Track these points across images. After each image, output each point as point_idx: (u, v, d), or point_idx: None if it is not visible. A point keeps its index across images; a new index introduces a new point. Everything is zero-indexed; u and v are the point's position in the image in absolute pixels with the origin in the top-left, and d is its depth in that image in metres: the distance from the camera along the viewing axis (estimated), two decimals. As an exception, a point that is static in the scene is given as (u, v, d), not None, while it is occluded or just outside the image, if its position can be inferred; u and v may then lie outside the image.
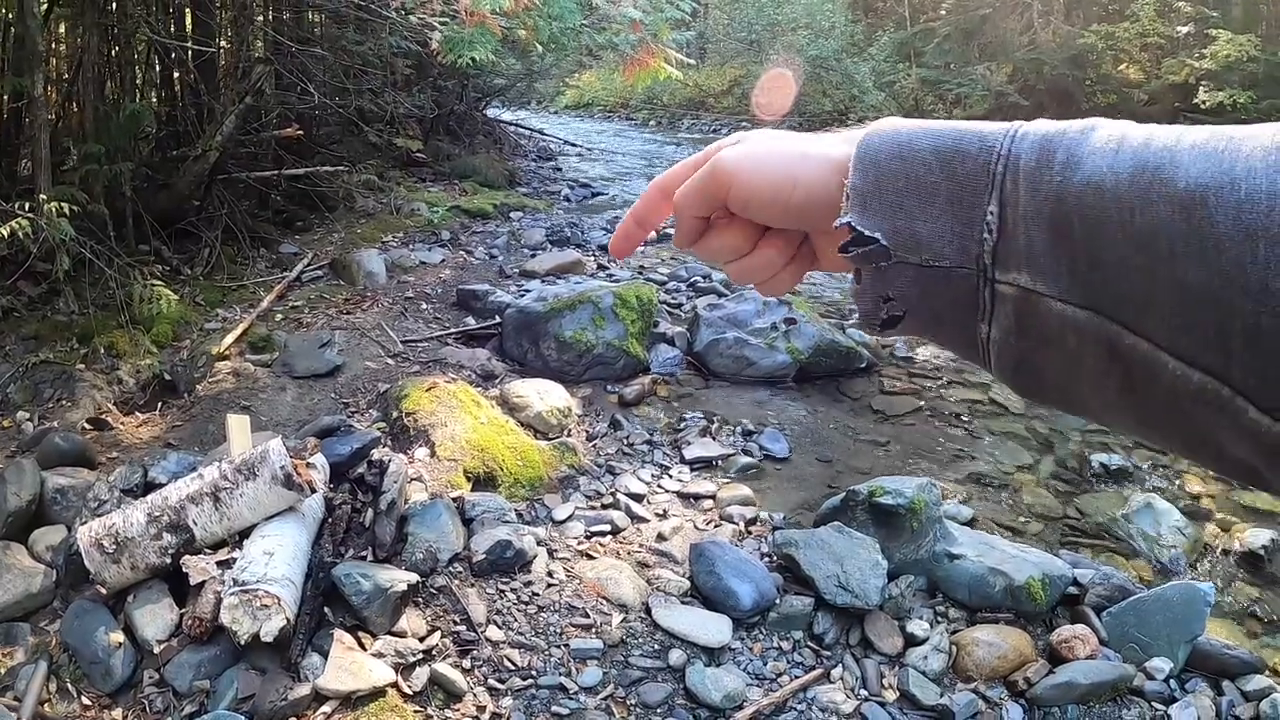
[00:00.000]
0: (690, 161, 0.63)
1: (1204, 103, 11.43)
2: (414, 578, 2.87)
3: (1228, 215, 0.38)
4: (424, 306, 5.76)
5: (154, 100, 6.79)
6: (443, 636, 2.80)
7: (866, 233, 0.49)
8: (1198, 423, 0.42)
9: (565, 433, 4.16)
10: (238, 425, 3.29)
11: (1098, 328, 0.44)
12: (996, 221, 0.46)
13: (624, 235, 0.67)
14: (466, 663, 2.73)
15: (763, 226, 0.60)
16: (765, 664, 2.87)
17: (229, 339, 4.84)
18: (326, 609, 2.77)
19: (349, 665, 2.56)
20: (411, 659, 2.66)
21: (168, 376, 4.35)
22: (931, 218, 0.48)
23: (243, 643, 2.51)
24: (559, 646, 2.83)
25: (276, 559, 2.66)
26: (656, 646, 2.88)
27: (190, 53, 6.51)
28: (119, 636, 2.64)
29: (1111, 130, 0.45)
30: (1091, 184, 0.43)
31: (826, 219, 0.54)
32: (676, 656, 2.83)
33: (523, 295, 5.53)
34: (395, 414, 3.94)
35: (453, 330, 5.35)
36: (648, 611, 3.01)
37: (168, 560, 2.77)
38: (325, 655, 2.59)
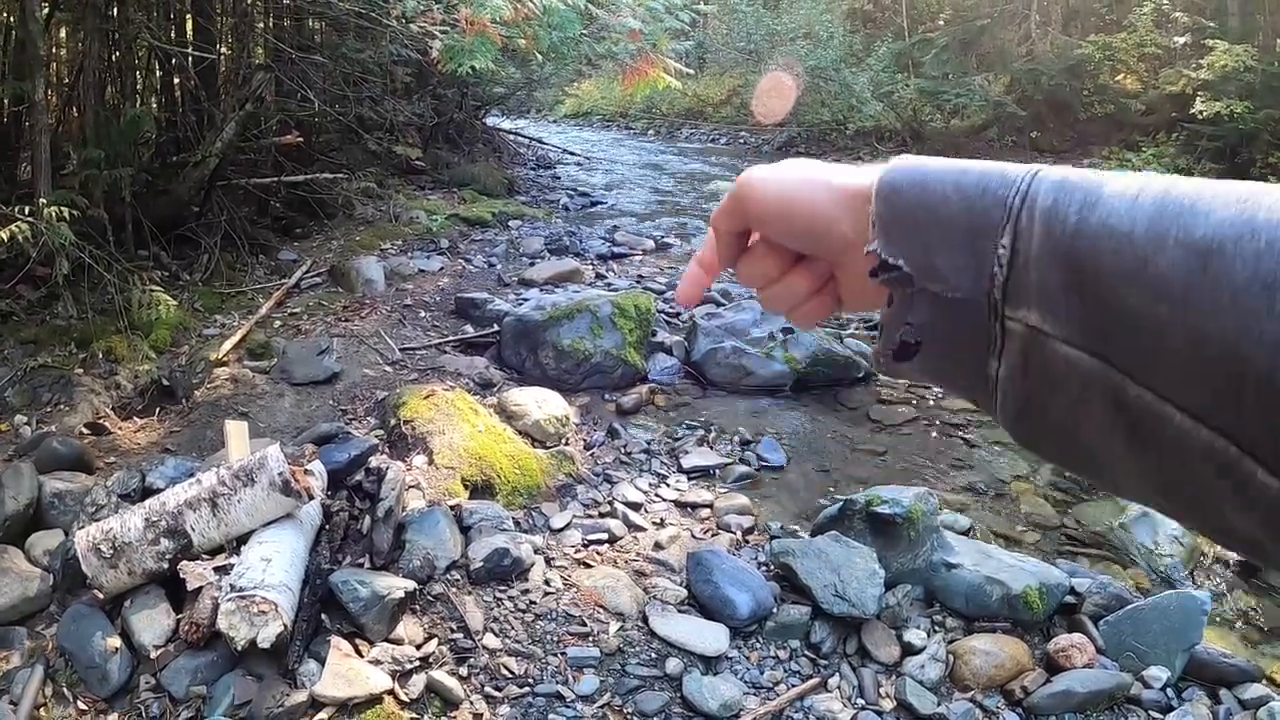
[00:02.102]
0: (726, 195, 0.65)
1: (1201, 113, 11.45)
2: (411, 585, 2.87)
3: (1246, 264, 0.37)
4: (422, 314, 5.76)
5: (154, 106, 6.81)
6: (440, 644, 2.79)
7: (890, 260, 0.50)
8: (1203, 484, 0.40)
9: (563, 441, 4.16)
10: (236, 431, 3.29)
11: (1103, 375, 0.42)
12: (1008, 255, 0.46)
13: (690, 279, 0.68)
14: (463, 670, 2.73)
15: (795, 256, 0.61)
16: (762, 673, 2.87)
17: (227, 345, 4.85)
18: (324, 616, 2.77)
19: (346, 672, 2.56)
20: (408, 666, 2.66)
21: (166, 382, 4.36)
22: (948, 249, 0.48)
23: (239, 649, 2.51)
24: (556, 655, 2.83)
25: (274, 565, 2.66)
26: (653, 655, 2.88)
27: (191, 59, 6.52)
28: (116, 641, 2.63)
29: (1132, 178, 0.44)
30: (1107, 226, 0.42)
31: (831, 248, 0.57)
32: (673, 665, 2.83)
33: (521, 304, 5.53)
34: (393, 421, 3.94)
35: (451, 338, 5.35)
36: (645, 620, 3.01)
37: (165, 566, 2.76)
38: (322, 662, 2.58)
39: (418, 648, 2.75)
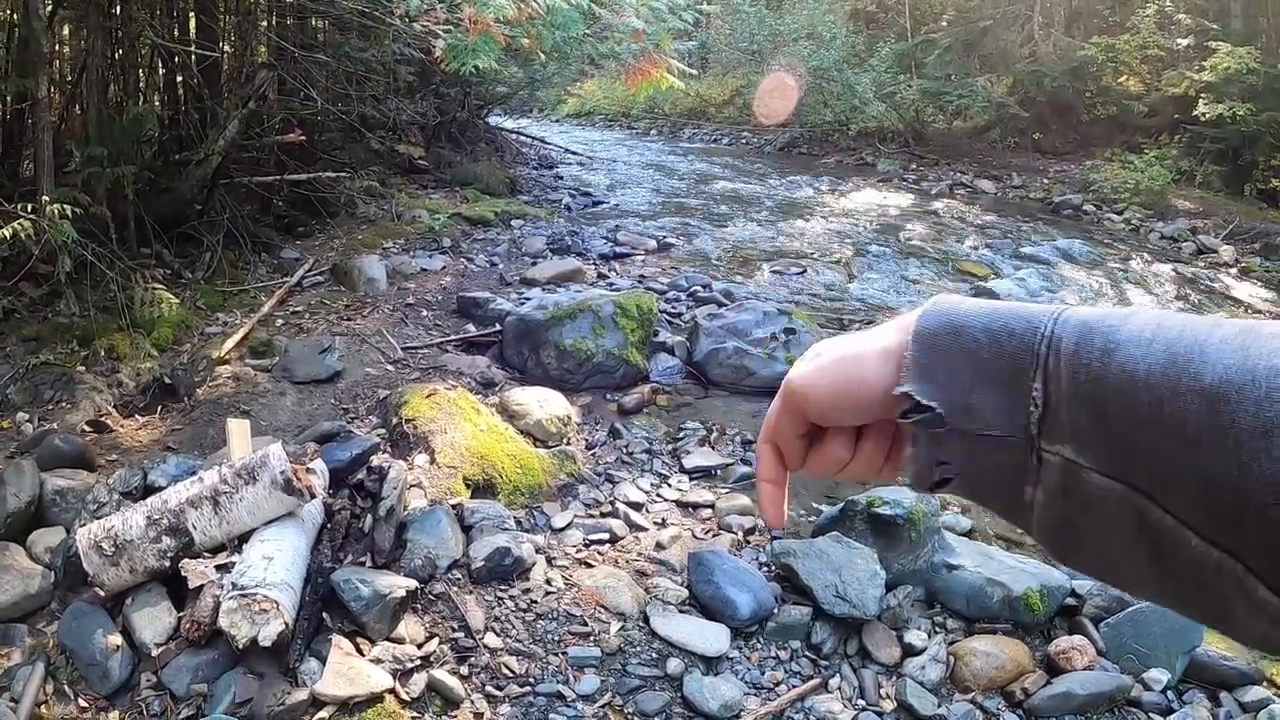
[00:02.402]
0: (775, 405, 0.66)
1: (1204, 115, 11.41)
2: (412, 584, 2.87)
3: (1248, 411, 0.42)
4: (424, 313, 5.77)
5: (157, 104, 6.81)
6: (441, 643, 2.80)
7: (923, 401, 0.54)
8: (1216, 596, 0.45)
9: (564, 441, 4.16)
10: (238, 430, 3.29)
11: (1130, 500, 0.47)
12: (1042, 397, 0.50)
13: (770, 500, 0.69)
14: (464, 670, 2.73)
15: (855, 428, 0.63)
16: (763, 673, 2.87)
17: (229, 343, 4.85)
18: (325, 614, 2.77)
19: (347, 671, 2.56)
20: (409, 665, 2.66)
21: (168, 380, 4.36)
22: (984, 391, 0.52)
23: (241, 647, 2.51)
24: (557, 654, 2.83)
25: (275, 564, 2.66)
26: (654, 655, 2.88)
27: (194, 57, 6.53)
28: (117, 639, 2.64)
29: (1148, 319, 0.48)
30: (1126, 372, 0.46)
31: (895, 407, 0.58)
32: (674, 665, 2.83)
33: (523, 303, 5.53)
34: (395, 420, 3.94)
35: (453, 337, 5.35)
36: (646, 620, 3.01)
37: (166, 563, 2.77)
38: (323, 660, 2.59)
39: (419, 647, 2.75)
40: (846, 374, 0.59)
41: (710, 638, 2.94)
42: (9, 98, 5.49)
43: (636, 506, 3.73)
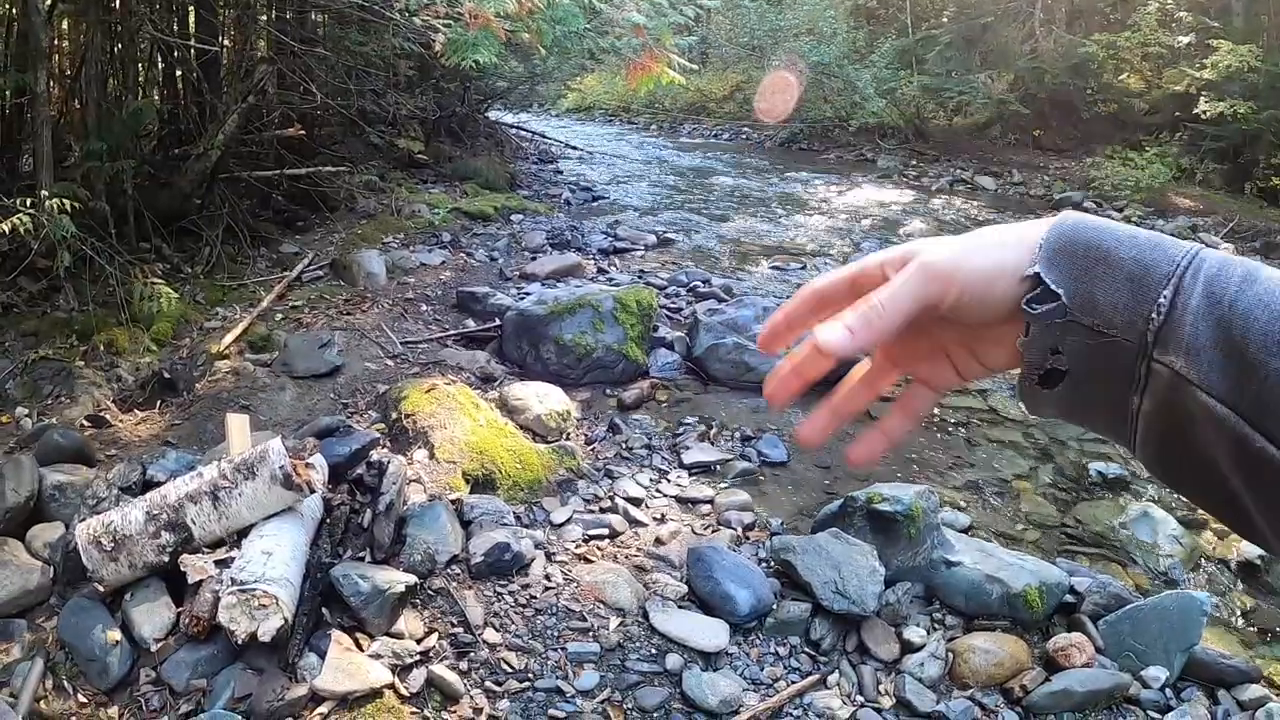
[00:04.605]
0: (845, 274, 0.64)
1: (1204, 113, 11.40)
2: (412, 579, 2.87)
3: None
4: (424, 308, 5.76)
5: (156, 98, 6.80)
6: (440, 638, 2.80)
7: (1050, 285, 0.54)
8: None
9: (564, 436, 4.16)
10: (237, 425, 3.29)
11: (1233, 426, 0.48)
12: (1168, 307, 0.51)
13: (773, 332, 0.68)
14: (464, 665, 2.73)
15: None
16: (762, 669, 2.87)
17: (229, 338, 4.85)
18: (324, 609, 2.77)
19: (346, 666, 2.56)
20: (409, 660, 2.66)
21: (167, 375, 4.35)
22: (1111, 289, 0.53)
23: (240, 642, 2.51)
24: (556, 649, 2.84)
25: (275, 559, 2.66)
26: (653, 650, 2.88)
27: (193, 51, 6.52)
28: (116, 634, 2.64)
29: None
30: (1263, 301, 0.49)
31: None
32: (673, 661, 2.83)
33: (523, 298, 5.53)
34: (394, 415, 3.94)
35: (452, 332, 5.35)
36: (645, 615, 3.01)
37: (166, 559, 2.76)
38: (322, 656, 2.59)
39: (418, 642, 2.75)
40: (994, 262, 0.57)
41: (709, 633, 2.94)
42: (8, 92, 5.48)
43: (636, 502, 3.73)
